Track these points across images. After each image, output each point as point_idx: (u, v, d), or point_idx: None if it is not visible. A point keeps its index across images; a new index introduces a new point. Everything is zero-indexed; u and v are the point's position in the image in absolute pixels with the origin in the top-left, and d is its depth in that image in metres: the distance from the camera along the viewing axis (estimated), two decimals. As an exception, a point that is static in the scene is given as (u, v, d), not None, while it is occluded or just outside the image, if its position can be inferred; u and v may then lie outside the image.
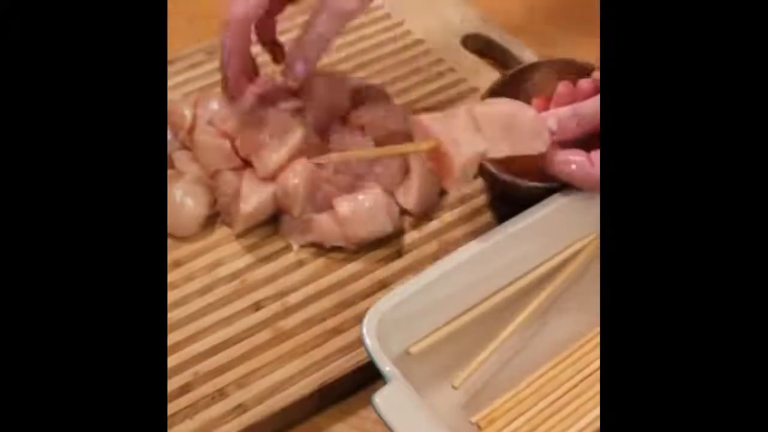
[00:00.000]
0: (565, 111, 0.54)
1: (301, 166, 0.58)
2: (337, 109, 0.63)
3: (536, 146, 0.53)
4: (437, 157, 0.51)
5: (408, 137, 0.61)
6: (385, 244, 0.60)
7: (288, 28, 0.75)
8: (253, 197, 0.58)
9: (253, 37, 0.61)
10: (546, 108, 0.55)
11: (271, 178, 0.59)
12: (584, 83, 0.55)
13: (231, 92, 0.61)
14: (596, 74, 0.56)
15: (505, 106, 0.53)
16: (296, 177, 0.58)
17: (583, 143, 0.54)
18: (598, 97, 0.53)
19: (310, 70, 0.59)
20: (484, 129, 0.51)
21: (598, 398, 0.51)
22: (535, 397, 0.52)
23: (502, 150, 0.52)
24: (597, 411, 0.51)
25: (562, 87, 0.56)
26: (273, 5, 0.59)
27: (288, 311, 0.56)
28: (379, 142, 0.62)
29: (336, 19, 0.57)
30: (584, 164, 0.53)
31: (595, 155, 0.53)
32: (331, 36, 0.58)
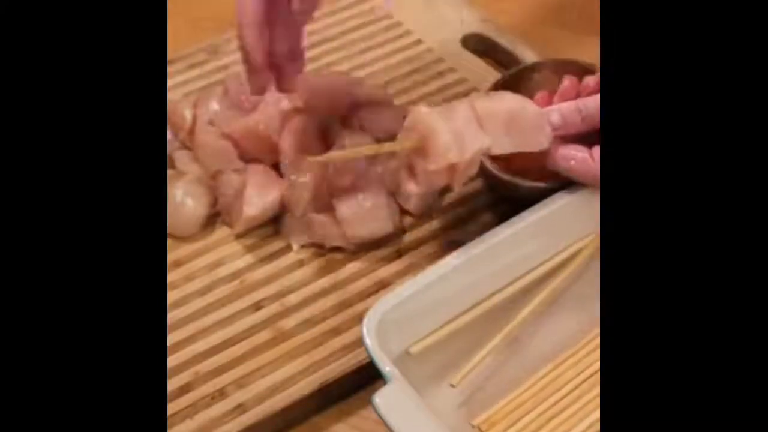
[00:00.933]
0: (568, 106, 0.54)
1: (309, 165, 0.58)
2: (337, 110, 0.63)
3: (539, 142, 0.53)
4: (430, 152, 0.51)
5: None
6: (385, 244, 0.60)
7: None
8: (258, 201, 0.58)
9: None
10: (549, 103, 0.55)
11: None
12: (589, 79, 0.55)
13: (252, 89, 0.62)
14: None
15: (507, 101, 0.53)
16: (305, 176, 0.58)
17: (584, 138, 0.54)
18: None
19: None
20: (486, 125, 0.51)
21: (599, 400, 0.51)
22: (536, 399, 0.52)
23: (504, 146, 0.52)
24: (598, 413, 0.50)
25: (567, 82, 0.56)
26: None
27: (288, 311, 0.56)
28: (379, 143, 0.62)
29: None
30: (586, 160, 0.53)
31: (596, 150, 0.53)
32: None
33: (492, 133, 0.51)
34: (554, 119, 0.53)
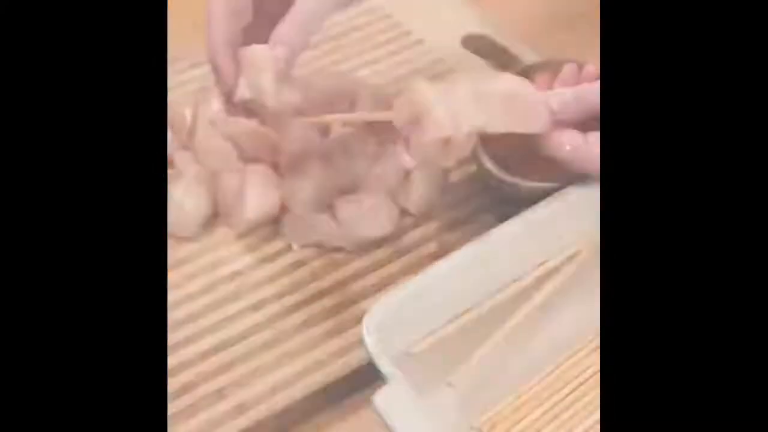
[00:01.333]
0: (568, 92, 0.54)
1: (309, 164, 0.58)
2: (337, 110, 0.63)
3: (535, 125, 0.53)
4: (424, 124, 0.51)
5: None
6: (385, 244, 0.60)
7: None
8: (258, 201, 0.58)
9: None
10: (549, 88, 0.55)
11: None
12: (590, 67, 0.55)
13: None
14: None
15: (507, 81, 0.53)
16: (305, 176, 0.58)
17: (580, 123, 0.54)
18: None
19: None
20: (483, 102, 0.51)
21: (598, 401, 0.51)
22: (537, 400, 0.52)
23: (500, 125, 0.52)
24: (597, 415, 0.50)
25: (568, 69, 0.56)
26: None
27: (288, 311, 0.56)
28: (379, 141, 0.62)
29: None
30: (581, 147, 0.53)
31: (593, 136, 0.53)
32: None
33: (489, 111, 0.51)
34: (552, 103, 0.53)
